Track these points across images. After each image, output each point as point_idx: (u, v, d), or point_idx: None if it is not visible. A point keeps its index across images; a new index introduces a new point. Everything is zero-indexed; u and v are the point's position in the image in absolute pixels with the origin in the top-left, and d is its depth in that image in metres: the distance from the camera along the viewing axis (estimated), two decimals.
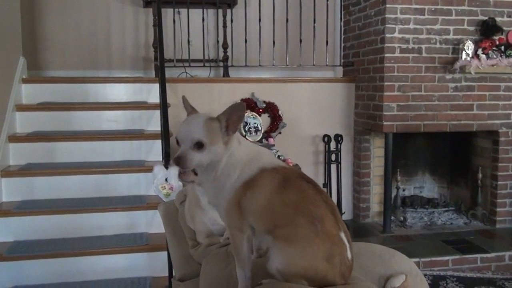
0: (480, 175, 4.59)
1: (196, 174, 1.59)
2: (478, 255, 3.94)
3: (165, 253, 3.30)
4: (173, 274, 1.45)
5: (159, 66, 3.54)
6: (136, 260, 3.27)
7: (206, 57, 5.09)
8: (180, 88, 4.44)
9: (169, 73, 4.28)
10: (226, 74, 5.07)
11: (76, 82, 4.34)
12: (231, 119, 1.30)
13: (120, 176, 3.69)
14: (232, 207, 1.27)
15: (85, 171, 3.66)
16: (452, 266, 3.89)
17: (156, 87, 4.36)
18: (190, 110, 1.41)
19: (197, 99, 4.40)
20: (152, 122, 4.13)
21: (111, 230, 3.43)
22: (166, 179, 3.01)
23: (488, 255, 3.96)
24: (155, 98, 4.29)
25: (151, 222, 3.53)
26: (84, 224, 3.41)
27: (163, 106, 3.27)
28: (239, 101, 4.57)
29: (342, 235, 1.25)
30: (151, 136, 3.94)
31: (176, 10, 4.88)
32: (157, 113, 4.14)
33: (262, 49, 4.76)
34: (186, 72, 4.98)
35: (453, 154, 4.99)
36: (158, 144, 3.92)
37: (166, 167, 3.03)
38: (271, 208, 1.26)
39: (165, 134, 3.11)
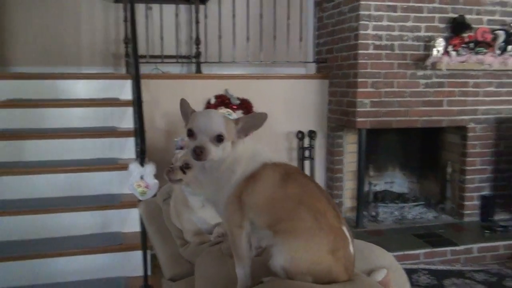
0: (449, 170, 4.69)
1: (184, 173, 1.56)
2: (448, 248, 4.04)
3: (140, 252, 3.27)
4: (163, 273, 1.42)
5: (133, 62, 3.46)
6: (110, 260, 3.22)
7: (179, 54, 5.04)
8: (152, 85, 4.38)
9: (140, 69, 4.20)
10: (198, 70, 5.02)
11: (45, 78, 4.22)
12: (246, 125, 1.31)
13: (92, 174, 3.61)
14: (233, 203, 1.27)
15: (56, 169, 3.57)
16: (423, 259, 3.97)
17: (128, 83, 4.28)
18: (192, 110, 1.39)
19: (170, 95, 4.42)
20: (125, 119, 4.06)
21: (83, 230, 3.36)
22: (141, 177, 2.95)
23: (458, 248, 4.05)
24: (127, 95, 4.21)
25: (125, 221, 3.48)
26: (56, 224, 3.33)
27: (138, 103, 3.20)
28: (213, 97, 4.53)
29: (344, 228, 1.27)
30: (124, 134, 3.87)
31: (147, 5, 4.80)
32: (129, 110, 4.07)
33: (235, 45, 4.73)
34: (158, 68, 4.91)
35: (423, 149, 5.08)
36: (131, 141, 3.84)
37: (142, 165, 2.97)
38: (273, 201, 1.27)
39: (140, 131, 3.04)
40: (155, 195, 2.28)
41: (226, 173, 1.29)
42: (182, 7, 5.04)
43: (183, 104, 1.42)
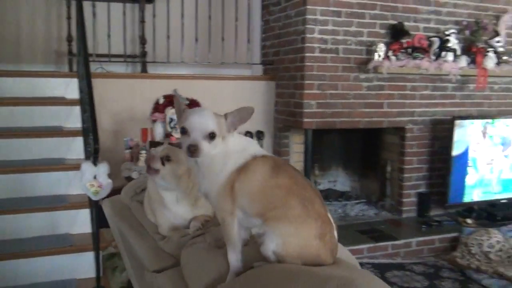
0: (388, 169, 4.94)
1: (163, 164, 1.59)
2: (389, 243, 4.25)
3: (90, 254, 3.22)
4: (148, 267, 1.44)
5: (83, 61, 3.40)
6: (60, 262, 3.15)
7: (123, 53, 4.99)
8: (98, 84, 4.27)
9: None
10: (144, 70, 5.00)
11: None
12: (235, 119, 1.36)
13: (39, 175, 3.52)
14: (224, 191, 1.33)
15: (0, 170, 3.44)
16: (367, 253, 4.16)
17: (74, 82, 4.19)
18: (184, 107, 1.43)
19: (117, 95, 4.37)
20: (71, 118, 3.97)
21: (31, 232, 3.27)
22: (94, 177, 2.92)
23: (398, 242, 4.28)
24: (73, 94, 4.11)
25: (74, 223, 3.42)
26: (1, 227, 3.21)
27: (90, 102, 3.16)
28: (161, 97, 4.52)
29: (329, 215, 1.37)
30: (70, 133, 3.79)
31: (91, 3, 4.71)
32: (76, 109, 3.99)
33: (184, 45, 4.74)
34: (103, 68, 4.84)
35: (364, 149, 5.30)
36: (78, 141, 3.77)
37: (95, 164, 2.94)
38: (264, 190, 1.34)
39: (93, 131, 3.01)
40: (118, 195, 2.26)
41: (218, 166, 1.35)
42: (129, 6, 5.00)
43: (176, 100, 1.47)
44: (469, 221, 4.55)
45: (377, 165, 5.14)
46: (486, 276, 3.71)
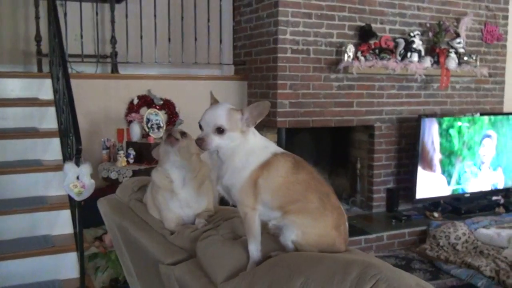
0: (358, 166, 5.10)
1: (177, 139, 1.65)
2: (362, 237, 4.41)
3: (73, 254, 3.22)
4: (163, 260, 1.49)
5: (61, 61, 3.38)
6: (42, 264, 3.13)
7: (93, 53, 4.96)
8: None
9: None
10: (115, 70, 4.98)
11: None
12: (252, 114, 1.42)
13: (16, 176, 3.47)
14: (248, 187, 1.41)
15: None
16: None
17: (47, 82, 4.17)
18: (213, 101, 1.52)
19: (91, 95, 4.34)
20: (46, 119, 3.93)
21: (11, 234, 3.23)
22: (77, 177, 2.92)
23: (370, 236, 4.44)
24: (47, 94, 4.09)
25: (54, 224, 3.39)
26: None
27: (70, 102, 3.14)
28: (135, 97, 4.53)
29: (342, 207, 1.47)
30: (47, 134, 3.76)
31: (59, 2, 4.65)
32: (50, 110, 3.96)
33: (156, 45, 4.74)
34: (72, 68, 4.78)
35: (334, 147, 5.45)
36: (54, 142, 3.76)
37: (78, 165, 2.94)
38: (287, 186, 1.43)
39: (75, 131, 3.00)
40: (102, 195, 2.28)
41: (241, 162, 1.43)
42: (99, 6, 4.97)
43: (211, 98, 1.56)
44: (436, 215, 4.76)
45: (347, 163, 5.29)
46: (454, 266, 3.91)
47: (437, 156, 4.91)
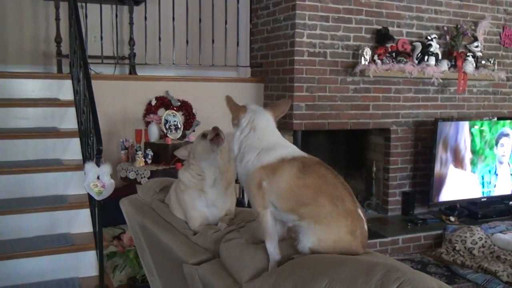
0: (374, 169, 5.09)
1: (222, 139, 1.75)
2: (377, 240, 4.40)
3: (92, 252, 3.27)
4: (186, 259, 1.52)
5: (82, 62, 3.44)
6: (61, 262, 3.17)
7: (112, 54, 5.01)
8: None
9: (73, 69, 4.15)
10: (133, 71, 5.04)
11: None
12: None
13: (36, 175, 3.53)
14: (253, 188, 1.46)
15: None
16: None
17: (67, 83, 4.23)
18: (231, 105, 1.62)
19: (110, 96, 4.40)
20: (66, 119, 3.99)
21: (31, 232, 3.28)
22: (98, 177, 2.96)
23: (385, 240, 4.43)
24: (67, 95, 4.15)
25: (73, 222, 3.44)
26: (1, 227, 3.22)
27: (92, 103, 3.20)
28: (153, 99, 4.58)
29: (359, 210, 1.46)
30: (67, 134, 3.82)
31: (79, 4, 4.71)
32: (70, 110, 4.02)
33: (166, 47, 4.78)
34: (91, 69, 4.84)
35: (350, 150, 5.45)
36: (74, 142, 3.82)
37: (98, 165, 2.98)
38: (292, 190, 1.44)
39: (96, 132, 3.05)
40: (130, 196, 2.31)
41: (240, 157, 1.52)
42: (117, 8, 5.02)
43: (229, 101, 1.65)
44: (452, 219, 4.74)
45: (363, 165, 5.29)
46: (471, 271, 3.89)
47: (468, 156, 4.94)
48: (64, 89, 4.20)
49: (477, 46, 5.15)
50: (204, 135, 1.78)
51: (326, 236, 1.38)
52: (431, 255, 4.36)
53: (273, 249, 1.42)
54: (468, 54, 5.06)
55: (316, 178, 1.45)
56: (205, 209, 1.77)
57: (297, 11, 4.47)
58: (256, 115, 1.55)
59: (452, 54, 5.05)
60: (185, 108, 4.66)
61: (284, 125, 4.68)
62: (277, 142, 1.57)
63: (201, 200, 1.77)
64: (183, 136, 4.34)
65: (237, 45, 5.03)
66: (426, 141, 5.02)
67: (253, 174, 1.46)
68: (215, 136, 1.75)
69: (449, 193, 4.89)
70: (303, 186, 1.44)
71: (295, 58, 4.51)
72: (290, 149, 1.55)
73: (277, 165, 1.45)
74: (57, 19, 4.80)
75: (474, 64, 5.07)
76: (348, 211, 1.42)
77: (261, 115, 1.57)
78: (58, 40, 4.81)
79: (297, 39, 4.50)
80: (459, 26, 5.07)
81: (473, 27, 5.21)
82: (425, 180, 4.97)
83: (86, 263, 3.23)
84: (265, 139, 1.53)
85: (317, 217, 1.40)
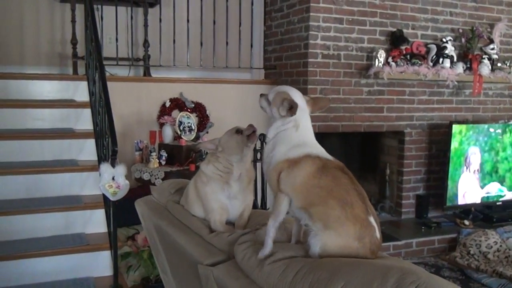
0: (387, 171, 5.07)
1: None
2: (391, 243, 4.38)
3: (106, 252, 3.30)
4: (202, 261, 1.54)
5: (98, 64, 3.48)
6: (76, 261, 3.21)
7: (127, 56, 5.05)
8: None
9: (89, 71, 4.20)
10: (147, 73, 5.07)
11: None
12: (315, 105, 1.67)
13: (53, 176, 3.57)
14: (273, 175, 1.52)
15: (13, 171, 3.49)
16: None
17: (83, 84, 4.27)
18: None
19: (124, 98, 4.43)
20: (81, 120, 4.04)
21: (46, 232, 3.32)
22: (113, 178, 2.99)
23: (399, 243, 4.41)
24: (83, 96, 4.20)
25: (88, 222, 3.47)
26: (17, 227, 3.26)
27: (107, 105, 3.23)
28: (168, 100, 4.61)
29: (371, 218, 1.45)
30: (82, 135, 3.86)
31: (95, 6, 4.76)
32: (86, 112, 4.06)
33: (180, 49, 4.80)
34: (107, 71, 4.88)
35: (363, 153, 5.44)
36: (89, 143, 3.85)
37: (113, 166, 3.01)
38: (306, 187, 1.47)
39: (111, 133, 3.08)
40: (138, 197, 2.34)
41: (270, 147, 1.58)
42: (129, 10, 5.06)
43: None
44: (466, 222, 4.70)
45: (376, 168, 5.27)
46: (485, 275, 3.85)
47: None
48: (80, 91, 4.25)
49: (493, 49, 5.10)
50: (238, 131, 1.84)
51: (333, 241, 1.39)
52: (445, 258, 4.32)
53: (272, 226, 1.48)
54: (483, 56, 5.02)
55: (330, 181, 1.47)
56: (227, 201, 1.82)
57: (311, 13, 4.47)
58: (301, 113, 1.59)
59: (467, 56, 5.01)
60: (199, 109, 4.67)
61: None
62: (309, 141, 1.60)
63: (224, 192, 1.82)
64: (197, 137, 4.36)
65: (251, 47, 5.04)
66: (440, 144, 4.99)
67: (277, 164, 1.52)
68: (252, 132, 1.81)
69: (463, 196, 4.85)
70: (316, 185, 1.46)
71: (309, 60, 4.51)
72: (319, 149, 1.57)
73: (299, 160, 1.49)
74: (73, 21, 4.85)
75: (490, 67, 5.03)
76: (356, 217, 1.41)
77: (305, 114, 1.62)
78: (74, 42, 4.86)
79: (311, 41, 4.50)
80: (474, 28, 5.03)
81: (489, 29, 5.17)
82: (439, 183, 4.93)
83: (101, 263, 3.26)
84: (301, 137, 1.57)
85: (326, 220, 1.41)
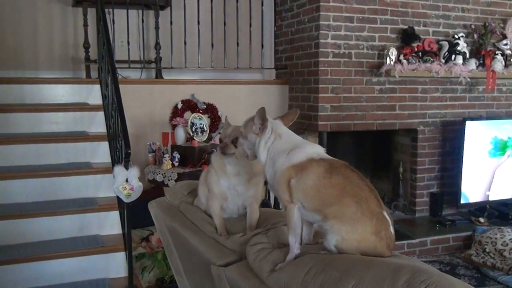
0: (401, 169, 5.05)
1: (235, 147, 1.75)
2: (405, 242, 4.36)
3: (121, 254, 3.33)
4: (215, 262, 1.55)
5: (110, 67, 3.51)
6: (91, 263, 3.23)
7: (139, 59, 5.09)
8: None
9: (101, 74, 4.24)
10: (159, 75, 5.10)
11: (8, 83, 4.14)
12: (257, 122, 1.63)
13: (67, 178, 3.61)
14: (282, 184, 1.53)
15: (29, 174, 3.54)
16: None
17: (96, 88, 4.32)
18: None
19: (136, 100, 4.46)
20: (95, 123, 4.08)
21: (62, 234, 3.36)
22: (126, 180, 3.02)
23: (413, 241, 4.39)
24: (96, 99, 4.24)
25: (103, 224, 3.50)
26: (33, 229, 3.30)
27: (120, 108, 3.26)
28: (179, 102, 4.64)
29: (385, 213, 1.47)
30: (96, 138, 3.90)
31: (106, 10, 4.80)
32: (99, 115, 4.11)
33: (191, 51, 4.82)
34: (119, 74, 4.92)
35: (376, 151, 5.41)
36: (103, 146, 3.89)
37: (127, 168, 3.04)
38: (318, 189, 1.48)
39: (124, 135, 3.11)
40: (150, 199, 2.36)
41: (270, 162, 1.58)
42: (136, 13, 5.11)
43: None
44: (482, 220, 4.66)
45: (389, 166, 5.25)
46: (501, 273, 3.82)
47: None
48: (93, 94, 4.29)
49: (506, 44, 5.05)
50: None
51: (350, 235, 1.40)
52: (460, 257, 4.29)
53: (294, 242, 1.48)
54: (496, 52, 4.97)
55: (342, 179, 1.48)
56: (226, 189, 1.85)
57: (321, 13, 4.47)
58: (275, 125, 1.65)
59: (480, 52, 4.97)
60: (211, 110, 4.70)
61: (309, 127, 4.68)
62: (303, 141, 1.64)
63: (224, 179, 1.86)
64: (209, 138, 4.38)
65: (262, 47, 5.06)
66: (454, 141, 4.95)
67: (283, 172, 1.53)
68: (221, 147, 1.85)
69: (478, 193, 4.81)
70: (328, 185, 1.48)
71: (320, 59, 4.51)
72: (317, 148, 1.59)
73: (306, 164, 1.51)
74: (85, 25, 4.90)
75: (503, 63, 4.98)
76: (372, 212, 1.43)
77: (280, 125, 1.68)
78: (86, 45, 4.91)
79: (321, 41, 4.50)
80: (487, 24, 4.98)
81: (501, 25, 5.11)
82: (454, 181, 4.90)
83: (116, 264, 3.29)
84: (291, 141, 1.61)
85: (342, 217, 1.42)
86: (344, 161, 1.59)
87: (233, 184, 1.84)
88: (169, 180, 3.82)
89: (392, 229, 1.47)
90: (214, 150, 3.88)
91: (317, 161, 1.51)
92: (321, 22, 4.47)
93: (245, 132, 1.64)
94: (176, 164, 4.02)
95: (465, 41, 4.86)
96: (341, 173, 1.50)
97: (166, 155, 3.97)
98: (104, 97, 4.04)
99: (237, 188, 1.84)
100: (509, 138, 4.93)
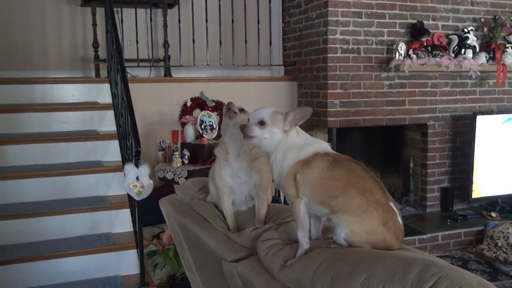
0: (411, 165, 5.02)
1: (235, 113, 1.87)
2: (416, 237, 4.35)
3: (133, 251, 3.35)
4: (226, 257, 1.56)
5: (120, 67, 3.53)
6: (103, 260, 3.26)
7: (147, 57, 5.11)
8: None
9: (110, 73, 4.26)
10: (168, 73, 5.12)
11: (18, 83, 4.18)
12: (295, 117, 1.59)
13: (78, 177, 3.64)
14: (289, 179, 1.54)
15: (41, 173, 3.57)
16: None
17: (106, 87, 4.34)
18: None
19: (146, 98, 4.48)
20: (105, 122, 4.10)
21: (74, 232, 3.39)
22: (137, 178, 3.04)
23: (424, 236, 4.37)
24: (106, 98, 4.27)
25: (114, 222, 3.53)
26: (45, 228, 3.33)
27: (129, 106, 3.28)
28: (189, 100, 4.65)
29: (391, 203, 1.47)
30: (106, 137, 3.92)
31: (115, 9, 4.82)
32: (109, 113, 4.13)
33: (200, 49, 4.84)
34: (128, 73, 4.94)
35: (386, 146, 5.39)
36: (113, 144, 3.91)
37: (137, 166, 3.06)
38: (323, 182, 1.49)
39: (134, 134, 3.13)
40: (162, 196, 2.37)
41: (281, 157, 1.57)
42: (144, 11, 5.12)
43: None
44: (493, 214, 4.63)
45: (400, 162, 5.23)
46: None
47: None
48: (103, 93, 4.32)
49: None
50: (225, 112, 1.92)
51: (358, 227, 1.40)
52: (472, 251, 4.27)
53: (303, 237, 1.48)
54: (507, 45, 4.93)
55: (345, 171, 1.49)
56: (229, 179, 1.86)
57: (329, 8, 4.45)
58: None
59: (490, 46, 4.93)
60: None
61: (318, 123, 4.68)
62: (313, 140, 1.65)
63: (227, 170, 1.87)
64: (219, 136, 4.39)
65: (270, 44, 5.05)
66: (464, 136, 4.92)
67: (290, 168, 1.54)
68: (227, 110, 1.88)
69: (490, 188, 4.78)
70: (332, 178, 1.49)
71: (329, 55, 4.50)
72: (323, 144, 1.61)
73: (311, 159, 1.52)
74: (94, 24, 4.93)
75: None
76: (378, 203, 1.43)
77: None
78: (95, 45, 4.94)
79: (330, 36, 4.48)
80: (497, 17, 4.94)
81: (511, 18, 5.07)
82: (465, 175, 4.87)
83: (128, 262, 3.31)
84: (305, 139, 1.63)
85: (348, 209, 1.43)
86: (353, 157, 1.59)
87: (235, 171, 1.85)
88: (179, 178, 3.83)
89: (400, 219, 1.47)
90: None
91: (322, 155, 1.53)
92: (329, 18, 4.46)
93: (271, 123, 1.59)
94: (186, 161, 4.04)
95: (474, 35, 4.82)
96: (345, 166, 1.51)
97: (176, 153, 3.99)
98: (113, 96, 4.06)
99: (239, 174, 1.85)
100: None
